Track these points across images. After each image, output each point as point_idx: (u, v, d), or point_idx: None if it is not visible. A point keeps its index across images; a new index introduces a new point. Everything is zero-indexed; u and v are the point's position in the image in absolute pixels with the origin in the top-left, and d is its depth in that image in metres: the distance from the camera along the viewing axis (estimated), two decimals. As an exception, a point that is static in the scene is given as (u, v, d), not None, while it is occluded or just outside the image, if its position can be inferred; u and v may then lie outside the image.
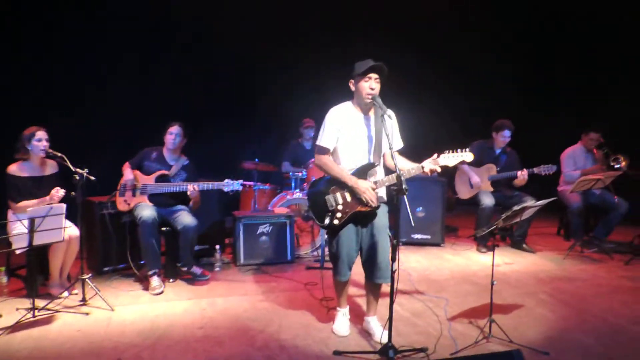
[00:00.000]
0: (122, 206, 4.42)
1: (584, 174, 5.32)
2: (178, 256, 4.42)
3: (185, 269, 4.45)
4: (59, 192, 3.88)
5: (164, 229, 4.41)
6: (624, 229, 5.82)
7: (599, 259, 5.25)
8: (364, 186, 3.05)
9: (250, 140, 6.93)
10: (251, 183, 5.72)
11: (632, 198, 5.46)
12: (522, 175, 5.22)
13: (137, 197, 4.37)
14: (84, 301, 3.83)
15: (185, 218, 4.37)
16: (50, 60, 6.06)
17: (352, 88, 3.16)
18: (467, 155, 3.05)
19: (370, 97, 3.04)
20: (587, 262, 5.16)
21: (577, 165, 5.66)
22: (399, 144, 3.28)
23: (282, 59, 7.12)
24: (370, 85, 3.04)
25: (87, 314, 3.67)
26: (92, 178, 3.86)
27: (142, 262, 4.59)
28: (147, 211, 4.22)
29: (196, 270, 4.50)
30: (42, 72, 6.01)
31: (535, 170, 5.22)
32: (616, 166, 5.38)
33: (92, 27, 6.18)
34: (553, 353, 3.03)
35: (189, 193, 4.34)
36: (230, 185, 4.34)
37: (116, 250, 4.64)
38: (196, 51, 6.86)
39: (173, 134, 4.48)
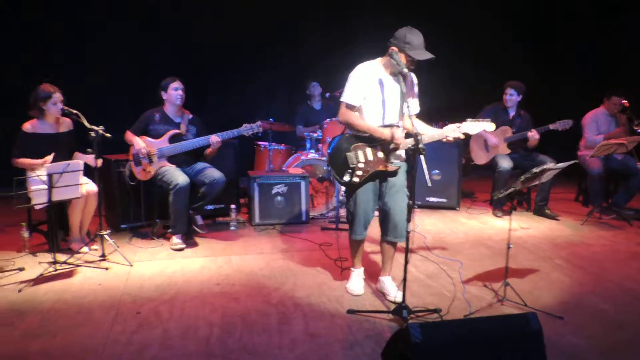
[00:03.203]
0: (142, 176, 4.36)
1: (607, 139, 5.19)
2: (193, 202, 4.40)
3: (192, 212, 4.49)
4: (47, 161, 3.80)
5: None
6: (644, 195, 5.71)
7: (618, 225, 5.18)
8: (397, 134, 3.01)
9: (264, 100, 6.88)
10: (266, 143, 5.72)
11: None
12: (533, 135, 5.15)
13: (157, 162, 4.29)
14: (103, 256, 3.90)
15: (214, 173, 4.35)
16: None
17: (392, 53, 3.00)
18: (489, 125, 3.08)
19: (408, 69, 2.99)
20: (606, 228, 5.09)
21: (600, 130, 5.51)
22: (417, 108, 3.25)
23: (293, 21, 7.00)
24: (412, 64, 3.00)
25: (106, 268, 3.75)
26: (108, 135, 3.86)
27: (158, 220, 4.66)
28: (181, 177, 4.16)
29: (199, 219, 4.64)
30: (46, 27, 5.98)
31: (551, 126, 5.13)
32: (639, 130, 5.23)
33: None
34: (568, 317, 3.03)
35: (212, 145, 4.31)
36: (249, 129, 4.33)
37: (134, 208, 4.70)
38: (199, 11, 6.72)
39: (179, 89, 4.36)
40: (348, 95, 3.11)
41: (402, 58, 2.96)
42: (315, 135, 5.58)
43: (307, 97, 6.38)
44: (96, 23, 6.23)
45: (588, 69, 7.55)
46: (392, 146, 3.06)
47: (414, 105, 3.24)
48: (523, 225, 5.15)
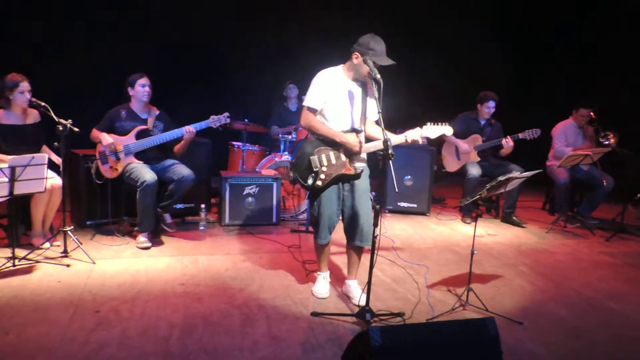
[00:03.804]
0: (109, 173, 4.27)
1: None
2: (161, 200, 4.34)
3: (160, 211, 4.42)
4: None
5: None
6: (608, 206, 5.86)
7: (582, 234, 5.31)
8: (353, 139, 3.07)
9: (240, 101, 6.84)
10: (240, 143, 5.68)
11: (619, 175, 5.48)
12: (507, 142, 5.24)
13: (124, 159, 4.21)
14: (65, 253, 3.81)
15: (183, 170, 4.29)
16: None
17: (354, 60, 3.07)
18: (447, 129, 3.16)
19: (368, 76, 3.04)
20: (570, 237, 5.21)
21: (569, 141, 5.65)
22: (377, 114, 3.25)
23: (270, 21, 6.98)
24: (376, 72, 3.01)
25: (67, 265, 3.66)
26: (76, 129, 3.78)
27: (125, 217, 4.59)
28: (148, 174, 4.09)
29: (168, 217, 4.56)
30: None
31: (520, 135, 5.24)
32: (605, 142, 5.37)
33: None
34: (528, 323, 3.08)
35: (185, 136, 4.24)
36: (216, 120, 4.29)
37: (100, 204, 4.60)
38: (179, 11, 6.65)
39: (146, 85, 4.29)
40: (309, 99, 3.16)
41: (362, 65, 3.02)
42: (289, 137, 5.57)
43: (283, 98, 6.37)
44: (69, 18, 6.10)
45: (558, 82, 7.73)
46: (353, 149, 3.09)
47: (376, 110, 3.22)
48: (490, 232, 5.23)
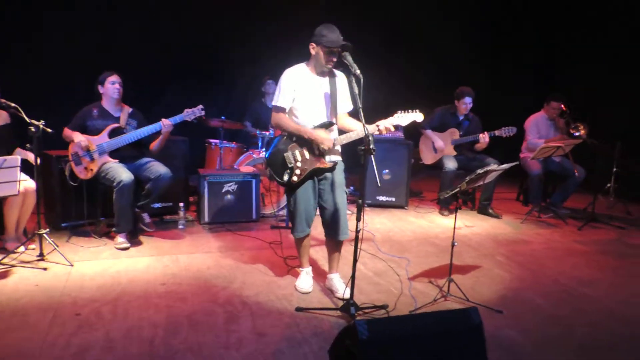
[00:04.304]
0: (84, 174, 4.17)
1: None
2: (138, 199, 4.28)
3: (138, 210, 4.36)
4: None
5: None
6: (579, 196, 6.04)
7: (555, 224, 5.45)
8: (322, 135, 3.10)
9: (217, 98, 6.76)
10: (217, 141, 5.64)
11: (589, 166, 5.64)
12: (484, 138, 5.35)
13: (98, 159, 4.12)
14: (41, 256, 3.72)
15: (160, 168, 4.23)
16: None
17: (312, 52, 3.14)
18: (418, 115, 3.16)
19: (331, 65, 3.10)
20: (543, 226, 5.35)
21: (541, 133, 5.78)
22: (349, 105, 3.29)
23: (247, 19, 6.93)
24: (332, 57, 3.07)
25: (45, 269, 3.58)
26: (50, 130, 3.70)
27: (102, 218, 4.52)
28: (125, 174, 4.02)
29: (146, 217, 4.49)
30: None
31: (497, 132, 5.34)
32: (575, 134, 5.52)
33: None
34: (506, 311, 3.16)
35: (163, 129, 4.18)
36: (190, 114, 4.25)
37: (76, 206, 4.51)
38: (151, 8, 6.53)
39: (116, 83, 4.22)
40: (277, 98, 3.20)
41: (320, 51, 3.06)
42: (267, 134, 5.55)
43: (262, 94, 6.33)
44: (37, 15, 5.93)
45: (531, 76, 7.89)
46: (321, 146, 3.12)
47: (347, 103, 3.27)
48: (468, 224, 5.33)
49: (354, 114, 3.21)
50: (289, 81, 3.17)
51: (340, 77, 3.26)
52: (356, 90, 2.91)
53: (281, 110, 3.20)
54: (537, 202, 5.66)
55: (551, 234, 5.08)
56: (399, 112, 3.16)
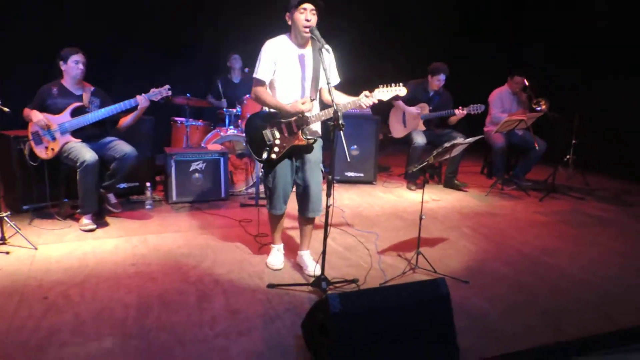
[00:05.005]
0: (45, 154, 4.03)
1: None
2: (103, 179, 4.18)
3: (104, 191, 4.25)
4: None
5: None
6: (540, 168, 6.23)
7: (518, 195, 5.63)
8: (300, 107, 3.02)
9: (181, 75, 6.59)
10: (183, 119, 5.53)
11: (550, 139, 5.82)
12: (461, 114, 5.43)
13: (60, 138, 4.00)
14: (3, 240, 3.61)
15: (124, 147, 4.12)
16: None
17: (289, 22, 3.08)
18: (401, 90, 3.07)
19: (307, 29, 2.97)
20: (507, 198, 5.51)
21: (505, 107, 5.91)
22: (335, 79, 3.25)
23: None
24: (306, 17, 2.96)
25: (7, 252, 3.48)
26: (6, 110, 3.55)
27: (66, 200, 4.40)
28: (88, 153, 3.90)
29: (112, 197, 4.38)
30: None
31: (466, 110, 5.43)
32: (537, 109, 5.67)
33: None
34: (473, 281, 3.27)
35: (141, 104, 4.06)
36: (156, 93, 4.13)
37: (37, 187, 4.37)
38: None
39: (80, 62, 4.05)
40: (257, 70, 3.13)
41: (294, 17, 2.99)
42: (234, 111, 5.48)
43: (227, 69, 6.23)
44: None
45: (496, 52, 8.01)
46: (300, 118, 3.06)
47: (332, 76, 3.16)
48: (434, 197, 5.44)
49: (339, 87, 3.19)
50: (269, 53, 3.08)
51: (327, 48, 3.08)
52: (326, 65, 2.88)
53: (261, 83, 3.13)
54: (501, 175, 5.81)
55: (514, 205, 5.24)
56: (380, 86, 3.07)
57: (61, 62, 4.06)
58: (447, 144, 3.30)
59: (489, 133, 5.85)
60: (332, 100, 2.84)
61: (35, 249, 3.57)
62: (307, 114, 3.07)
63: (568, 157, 6.39)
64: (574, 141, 6.26)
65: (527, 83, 5.81)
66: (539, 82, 5.90)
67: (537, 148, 5.62)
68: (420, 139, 5.60)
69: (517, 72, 5.85)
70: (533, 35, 7.75)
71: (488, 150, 6.32)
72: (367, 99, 3.03)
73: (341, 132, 2.74)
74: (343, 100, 3.10)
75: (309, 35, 2.99)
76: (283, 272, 3.36)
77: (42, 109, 4.03)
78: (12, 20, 5.62)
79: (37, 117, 3.94)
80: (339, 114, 2.77)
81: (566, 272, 3.51)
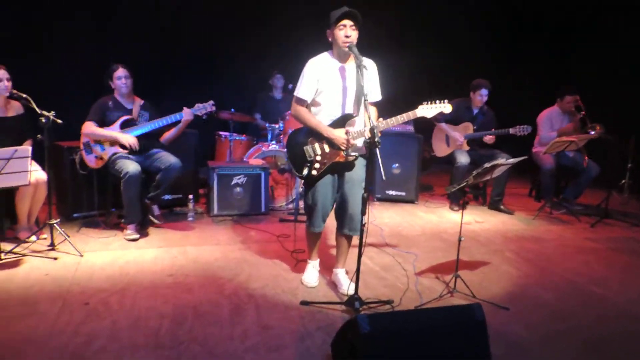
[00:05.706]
0: (95, 163, 4.23)
1: (561, 134, 5.39)
2: (148, 190, 4.32)
3: (148, 202, 4.38)
4: None
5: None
6: (593, 192, 5.95)
7: (567, 220, 5.38)
8: (340, 135, 3.04)
9: (226, 91, 6.77)
10: (227, 133, 5.66)
11: (603, 162, 5.55)
12: (491, 139, 5.40)
13: (108, 149, 4.18)
14: (52, 246, 3.79)
15: (170, 158, 4.27)
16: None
17: (330, 38, 3.10)
18: (446, 106, 3.04)
19: (347, 45, 2.97)
20: (555, 223, 5.28)
21: (554, 129, 5.70)
22: (377, 96, 3.23)
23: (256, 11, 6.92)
24: (346, 33, 2.97)
25: (55, 258, 3.64)
26: (59, 121, 3.74)
27: (113, 209, 4.56)
28: (132, 165, 4.06)
29: (156, 209, 4.51)
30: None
31: (511, 130, 5.27)
32: (591, 132, 5.42)
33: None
34: (513, 307, 3.14)
35: (185, 118, 4.22)
36: (201, 108, 4.28)
37: (87, 196, 4.57)
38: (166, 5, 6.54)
39: (122, 78, 4.22)
40: (299, 89, 3.14)
41: (334, 33, 3.01)
42: (276, 126, 5.56)
43: (269, 87, 6.35)
44: (49, 10, 5.97)
45: (545, 72, 7.78)
46: (337, 146, 3.07)
47: (373, 92, 3.18)
48: (478, 219, 5.28)
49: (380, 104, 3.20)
50: (312, 71, 3.10)
51: (370, 65, 3.14)
52: (363, 82, 2.86)
53: (302, 102, 3.15)
54: (549, 198, 5.59)
55: (563, 230, 5.02)
56: (424, 103, 3.04)
57: (109, 81, 4.27)
58: (487, 164, 3.20)
59: (537, 154, 5.65)
60: (369, 117, 2.81)
61: (81, 256, 3.71)
62: (349, 128, 3.06)
63: (623, 181, 6.08)
64: (629, 165, 5.95)
65: (580, 102, 5.57)
66: (590, 102, 5.65)
67: (585, 165, 5.37)
68: (463, 159, 5.47)
69: (566, 91, 5.62)
70: (585, 52, 7.46)
71: (536, 172, 6.09)
72: (409, 117, 3.02)
73: (377, 149, 2.71)
74: (389, 118, 3.05)
75: (349, 51, 3.00)
76: (318, 289, 3.34)
77: (102, 121, 4.23)
78: (65, 39, 5.93)
79: (126, 139, 4.14)
80: (376, 131, 2.75)
81: (613, 303, 3.31)
